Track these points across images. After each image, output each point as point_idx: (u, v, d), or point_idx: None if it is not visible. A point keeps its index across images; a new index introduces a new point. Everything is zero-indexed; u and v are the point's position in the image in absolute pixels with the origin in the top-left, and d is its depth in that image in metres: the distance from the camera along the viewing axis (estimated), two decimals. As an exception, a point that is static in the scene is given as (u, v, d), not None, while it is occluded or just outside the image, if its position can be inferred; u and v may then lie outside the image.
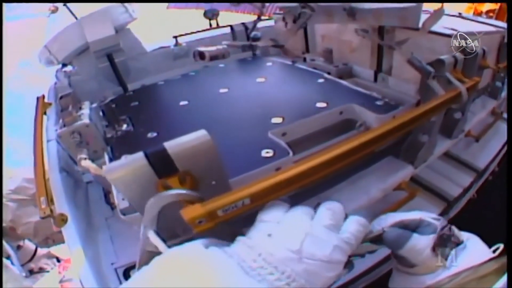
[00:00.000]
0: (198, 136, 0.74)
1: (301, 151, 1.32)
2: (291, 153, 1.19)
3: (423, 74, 1.35)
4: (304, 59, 2.11)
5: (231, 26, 2.39)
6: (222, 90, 1.72)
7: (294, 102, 1.52)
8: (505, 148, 2.02)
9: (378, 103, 1.48)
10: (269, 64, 2.06)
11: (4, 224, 3.06)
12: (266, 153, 1.19)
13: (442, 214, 1.66)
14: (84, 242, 1.42)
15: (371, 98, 1.53)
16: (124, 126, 1.76)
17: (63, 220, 1.53)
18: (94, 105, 1.99)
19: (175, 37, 2.24)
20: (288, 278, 0.45)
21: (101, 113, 1.80)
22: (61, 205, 1.47)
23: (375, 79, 1.78)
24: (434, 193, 1.77)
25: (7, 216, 3.02)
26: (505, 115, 2.13)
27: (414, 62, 1.34)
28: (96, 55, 1.95)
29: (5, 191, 3.03)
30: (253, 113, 1.44)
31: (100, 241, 1.56)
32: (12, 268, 1.20)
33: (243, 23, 2.39)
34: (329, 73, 1.80)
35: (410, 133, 1.63)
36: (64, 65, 2.22)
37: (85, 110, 1.67)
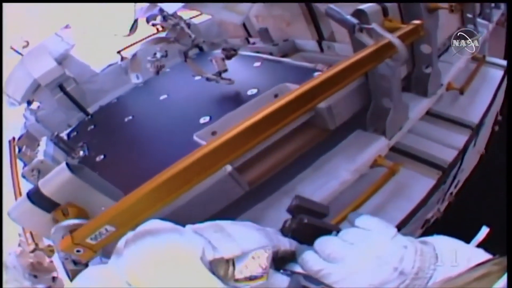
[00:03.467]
0: (58, 172, 0.78)
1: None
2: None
3: (347, 28, 1.24)
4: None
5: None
6: (162, 97, 1.72)
7: (223, 95, 1.46)
8: (499, 95, 1.77)
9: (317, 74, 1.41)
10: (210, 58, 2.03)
11: (30, 260, 3.34)
12: (189, 157, 1.18)
13: (438, 184, 1.51)
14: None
15: (311, 71, 1.44)
16: (81, 153, 1.85)
17: (51, 250, 1.67)
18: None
19: (119, 52, 2.29)
20: None
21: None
22: (48, 236, 1.59)
23: (321, 49, 1.66)
24: (425, 162, 1.60)
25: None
26: (489, 59, 1.87)
27: (333, 14, 1.15)
28: (48, 89, 2.05)
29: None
30: (184, 116, 1.42)
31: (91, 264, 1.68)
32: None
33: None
34: (271, 54, 1.73)
35: (371, 99, 1.48)
36: (29, 103, 2.36)
37: (41, 147, 1.78)
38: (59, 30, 1.99)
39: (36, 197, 0.80)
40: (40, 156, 1.66)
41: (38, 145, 1.81)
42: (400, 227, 1.39)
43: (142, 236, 0.53)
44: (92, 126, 1.90)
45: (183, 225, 0.58)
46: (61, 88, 2.07)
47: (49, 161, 1.68)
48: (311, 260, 0.56)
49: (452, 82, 1.69)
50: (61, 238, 0.76)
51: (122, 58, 2.31)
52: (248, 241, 0.53)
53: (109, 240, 0.73)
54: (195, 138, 1.24)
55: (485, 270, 0.43)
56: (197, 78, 1.75)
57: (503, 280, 0.39)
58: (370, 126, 1.54)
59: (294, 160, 1.47)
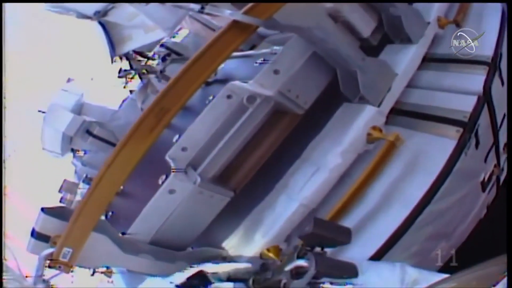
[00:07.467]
0: (38, 215, 1.19)
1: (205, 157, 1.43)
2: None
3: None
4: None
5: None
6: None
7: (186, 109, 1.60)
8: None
9: (256, 63, 1.51)
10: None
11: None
12: (160, 179, 1.41)
13: (460, 144, 1.39)
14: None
15: (252, 61, 1.54)
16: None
17: (109, 272, 2.23)
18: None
19: (124, 87, 2.76)
20: None
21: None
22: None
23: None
24: (441, 120, 1.46)
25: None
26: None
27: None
28: (78, 137, 2.63)
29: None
30: (167, 140, 1.62)
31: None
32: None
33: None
34: (241, 50, 1.87)
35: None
36: (73, 151, 3.04)
37: (79, 190, 2.37)
38: (64, 85, 2.57)
39: (35, 234, 1.22)
40: (78, 197, 2.22)
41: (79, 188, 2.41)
42: (424, 206, 1.34)
43: None
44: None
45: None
46: (89, 133, 2.64)
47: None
48: None
49: (442, 17, 1.56)
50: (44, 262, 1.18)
51: (131, 92, 2.82)
52: None
53: (75, 257, 1.12)
54: (167, 158, 1.42)
55: (485, 270, 0.48)
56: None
57: (503, 280, 0.44)
58: (351, 96, 1.49)
59: (282, 153, 1.56)
